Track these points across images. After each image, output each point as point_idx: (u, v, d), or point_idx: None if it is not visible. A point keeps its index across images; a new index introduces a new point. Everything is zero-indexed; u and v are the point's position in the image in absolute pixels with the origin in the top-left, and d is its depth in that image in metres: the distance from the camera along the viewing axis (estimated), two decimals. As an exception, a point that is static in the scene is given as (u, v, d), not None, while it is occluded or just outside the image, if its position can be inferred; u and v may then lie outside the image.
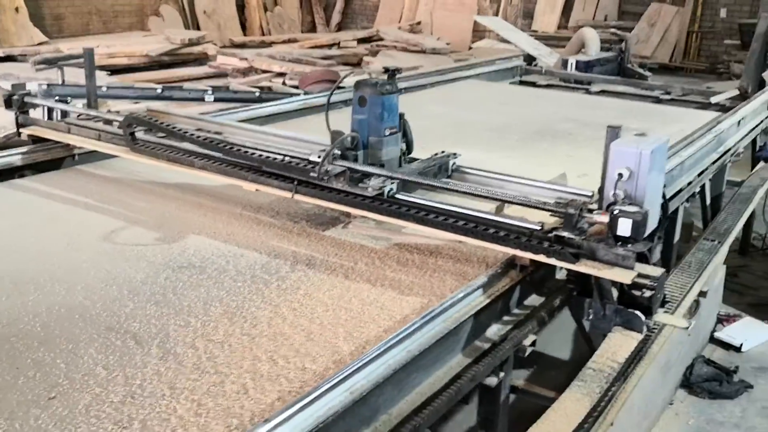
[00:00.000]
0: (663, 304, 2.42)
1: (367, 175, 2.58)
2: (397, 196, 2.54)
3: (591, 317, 2.40)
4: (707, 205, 4.38)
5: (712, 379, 3.94)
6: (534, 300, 2.48)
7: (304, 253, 2.54)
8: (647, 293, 2.25)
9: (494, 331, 2.25)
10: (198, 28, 14.29)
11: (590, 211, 2.25)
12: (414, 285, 2.31)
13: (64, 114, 3.57)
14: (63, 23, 12.97)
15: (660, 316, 2.37)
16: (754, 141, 5.47)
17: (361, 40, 13.88)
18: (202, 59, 11.65)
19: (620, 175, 2.18)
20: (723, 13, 14.15)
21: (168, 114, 3.40)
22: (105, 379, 1.79)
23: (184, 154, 2.96)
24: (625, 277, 2.14)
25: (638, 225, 2.13)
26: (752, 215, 5.63)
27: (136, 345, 1.95)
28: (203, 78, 10.61)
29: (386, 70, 2.79)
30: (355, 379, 1.68)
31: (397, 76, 2.85)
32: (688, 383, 3.89)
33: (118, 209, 2.96)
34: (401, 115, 2.79)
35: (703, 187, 4.14)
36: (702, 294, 2.99)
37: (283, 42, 14.09)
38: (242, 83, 9.48)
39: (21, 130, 3.49)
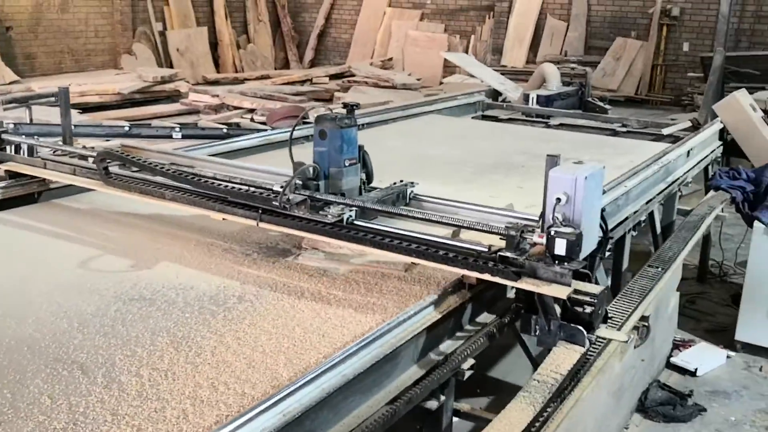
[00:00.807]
0: (605, 320, 2.57)
1: (328, 204, 2.74)
2: (356, 222, 2.69)
3: (537, 333, 2.53)
4: (658, 233, 4.52)
5: (666, 403, 4.03)
6: (485, 318, 2.62)
7: (253, 284, 2.62)
8: (588, 309, 2.39)
9: (437, 352, 2.34)
10: (171, 66, 14.43)
11: (531, 232, 2.41)
12: (357, 313, 2.40)
13: (30, 151, 3.66)
14: (35, 62, 13.05)
15: (602, 331, 2.51)
16: (706, 170, 5.65)
17: (333, 76, 14.10)
18: (174, 96, 11.77)
19: (558, 200, 2.35)
20: (686, 47, 14.53)
21: (141, 149, 3.56)
22: (49, 408, 1.85)
23: (155, 186, 3.12)
24: (562, 292, 2.31)
25: (572, 245, 2.30)
26: (709, 243, 5.79)
27: (82, 375, 2.01)
28: (175, 115, 10.72)
29: (345, 105, 2.95)
30: (288, 402, 1.75)
31: (362, 111, 3.00)
32: (643, 407, 3.97)
33: (81, 242, 3.05)
34: (361, 147, 2.95)
35: (651, 215, 4.28)
36: (644, 318, 3.09)
37: (256, 78, 14.27)
38: (213, 120, 9.59)
39: None
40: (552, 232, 2.32)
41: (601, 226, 2.62)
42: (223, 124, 8.61)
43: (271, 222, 2.79)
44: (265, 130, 6.20)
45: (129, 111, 10.49)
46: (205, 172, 3.10)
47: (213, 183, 2.94)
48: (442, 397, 2.30)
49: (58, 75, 12.72)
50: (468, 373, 2.32)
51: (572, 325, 2.43)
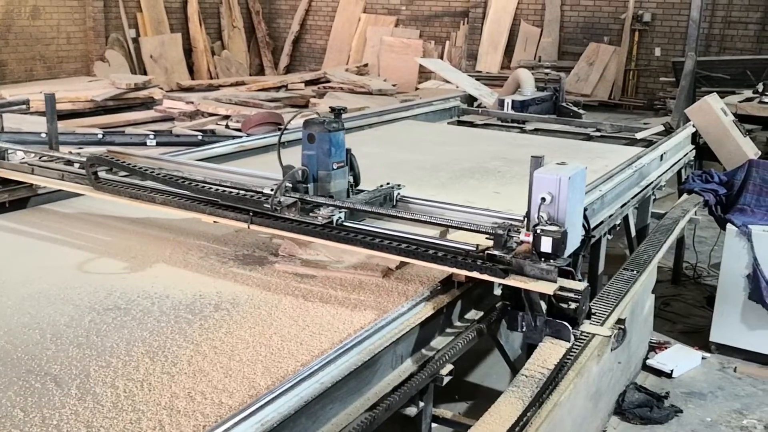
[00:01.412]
0: (589, 316, 2.65)
1: (318, 206, 2.77)
2: (346, 223, 2.74)
3: (524, 329, 2.61)
4: (633, 236, 4.56)
5: (643, 405, 4.06)
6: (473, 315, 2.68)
7: (230, 292, 2.60)
8: (573, 305, 2.48)
9: (413, 360, 2.33)
10: (145, 73, 14.31)
11: (517, 231, 2.47)
12: (335, 320, 2.39)
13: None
14: (6, 70, 12.88)
15: (586, 326, 2.61)
16: (679, 174, 5.72)
17: (309, 82, 14.07)
18: (148, 103, 11.68)
19: (543, 199, 2.44)
20: (657, 51, 14.72)
21: (128, 155, 3.56)
22: (22, 421, 1.82)
23: (145, 190, 3.14)
24: (548, 288, 2.38)
25: (558, 242, 2.38)
26: (683, 246, 5.85)
27: (55, 387, 1.98)
28: (149, 122, 10.63)
29: (332, 109, 3.01)
30: (266, 411, 1.74)
31: (285, 125, 3.14)
32: (620, 410, 4.00)
33: (56, 249, 3.04)
34: (348, 150, 3.00)
35: (626, 219, 4.32)
36: (620, 321, 3.11)
37: (231, 85, 14.21)
38: (188, 127, 9.52)
39: None
40: (538, 231, 2.40)
41: (583, 225, 2.71)
42: (198, 131, 8.56)
43: (262, 224, 2.83)
44: (241, 136, 6.17)
45: (102, 118, 10.38)
46: (194, 176, 3.12)
47: (204, 187, 2.96)
48: (421, 404, 2.30)
49: (30, 82, 12.56)
50: (447, 379, 2.31)
51: (557, 320, 2.51)
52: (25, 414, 1.84)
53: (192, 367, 2.08)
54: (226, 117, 10.30)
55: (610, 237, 4.03)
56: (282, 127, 3.32)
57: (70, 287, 2.61)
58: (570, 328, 2.50)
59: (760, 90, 8.65)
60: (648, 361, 4.51)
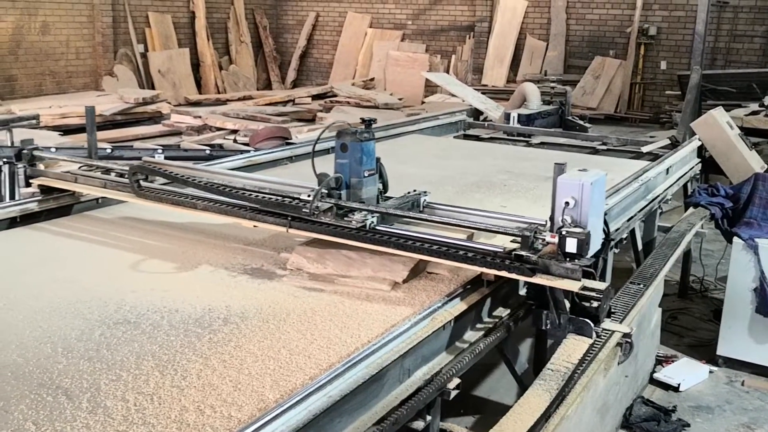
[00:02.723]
0: (609, 314, 2.83)
1: (351, 210, 2.95)
2: (378, 227, 2.90)
3: (548, 327, 2.78)
4: (639, 250, 4.56)
5: (650, 419, 4.06)
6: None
7: (239, 306, 2.62)
8: (594, 304, 2.66)
9: (423, 372, 2.35)
10: (153, 87, 14.42)
11: (543, 233, 2.64)
12: (343, 334, 2.40)
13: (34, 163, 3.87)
14: (15, 84, 13.00)
15: (607, 323, 2.79)
16: (685, 187, 5.73)
17: (316, 97, 14.15)
18: (156, 118, 11.76)
19: (567, 204, 2.60)
20: (663, 65, 14.76)
21: (163, 164, 3.72)
22: (34, 434, 1.84)
23: (186, 197, 3.32)
24: (573, 286, 2.53)
25: (582, 243, 2.53)
26: (690, 259, 5.85)
27: (67, 400, 2.00)
28: (157, 136, 10.71)
29: (363, 120, 3.18)
30: (274, 425, 1.75)
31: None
32: (627, 424, 3.99)
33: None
34: (378, 159, 3.16)
35: (632, 232, 4.32)
36: (627, 335, 3.12)
37: (239, 99, 14.29)
38: (195, 141, 9.58)
39: (31, 181, 3.83)
40: (563, 232, 2.55)
41: (603, 229, 2.86)
42: (205, 145, 8.60)
43: (300, 228, 3.01)
44: (248, 151, 6.21)
45: (111, 133, 10.45)
46: (234, 183, 3.28)
47: (244, 193, 3.13)
48: (429, 417, 2.31)
49: (39, 97, 12.67)
50: (454, 393, 2.33)
51: (580, 318, 2.68)
52: (37, 427, 1.86)
53: (201, 380, 2.10)
54: (234, 131, 10.36)
55: (617, 251, 4.04)
56: (316, 139, 3.51)
57: (80, 301, 2.64)
58: (592, 325, 2.67)
59: (766, 103, 8.66)
60: (655, 375, 4.51)
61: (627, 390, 4.06)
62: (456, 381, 2.35)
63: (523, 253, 2.60)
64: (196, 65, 15.91)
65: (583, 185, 2.58)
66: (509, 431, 2.18)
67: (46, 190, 3.76)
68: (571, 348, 2.61)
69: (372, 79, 16.26)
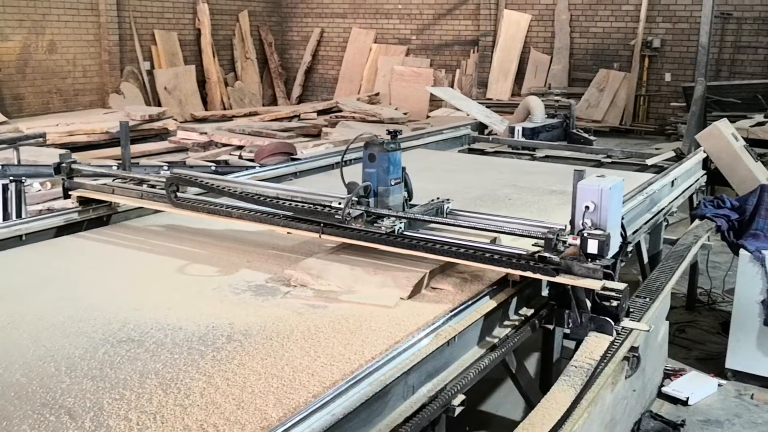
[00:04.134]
0: (627, 314, 2.96)
1: (380, 217, 3.10)
2: (405, 233, 3.05)
3: (570, 326, 2.93)
4: (645, 263, 4.54)
5: (659, 434, 4.03)
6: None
7: (242, 323, 2.61)
8: (614, 303, 2.78)
9: (427, 388, 2.34)
10: (159, 104, 14.51)
11: (565, 236, 2.77)
12: (346, 351, 2.39)
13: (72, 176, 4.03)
14: (23, 103, 13.10)
15: (626, 322, 2.91)
16: (691, 199, 5.71)
17: (321, 112, 14.21)
18: (162, 134, 11.82)
19: (587, 208, 2.74)
20: (668, 77, 14.76)
21: (193, 175, 3.85)
22: (36, 455, 1.83)
23: (221, 206, 3.48)
24: (595, 285, 2.66)
25: (603, 244, 2.67)
26: (696, 271, 5.82)
27: (69, 419, 1.99)
28: (164, 153, 10.76)
29: (389, 132, 3.32)
30: (278, 443, 1.74)
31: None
32: (636, 438, 3.96)
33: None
34: (403, 168, 3.31)
35: (638, 245, 4.31)
36: (634, 349, 3.10)
37: (244, 115, 14.37)
38: (201, 157, 9.62)
39: (70, 192, 3.99)
40: (585, 234, 2.69)
41: (621, 233, 2.96)
42: (211, 161, 8.64)
43: (333, 234, 3.16)
44: (254, 167, 6.23)
45: (117, 150, 10.42)
46: (267, 192, 3.42)
47: (278, 202, 3.28)
48: (433, 434, 2.29)
49: (46, 115, 12.76)
50: (459, 410, 2.31)
51: (601, 317, 2.81)
52: (40, 447, 1.86)
53: (204, 399, 2.09)
54: (240, 147, 10.40)
55: (622, 263, 4.02)
56: (344, 150, 3.66)
57: (84, 319, 2.64)
58: (612, 323, 2.80)
59: (772, 114, 8.64)
60: (663, 389, 4.48)
61: (635, 404, 4.03)
62: (461, 397, 2.33)
63: (546, 254, 2.73)
64: (202, 82, 16.01)
65: (602, 190, 2.72)
66: (538, 425, 2.28)
67: (84, 201, 3.94)
68: (593, 345, 2.74)
69: (377, 94, 16.32)
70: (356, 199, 3.11)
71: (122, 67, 14.54)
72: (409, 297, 2.82)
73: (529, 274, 2.76)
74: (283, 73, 18.18)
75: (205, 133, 11.11)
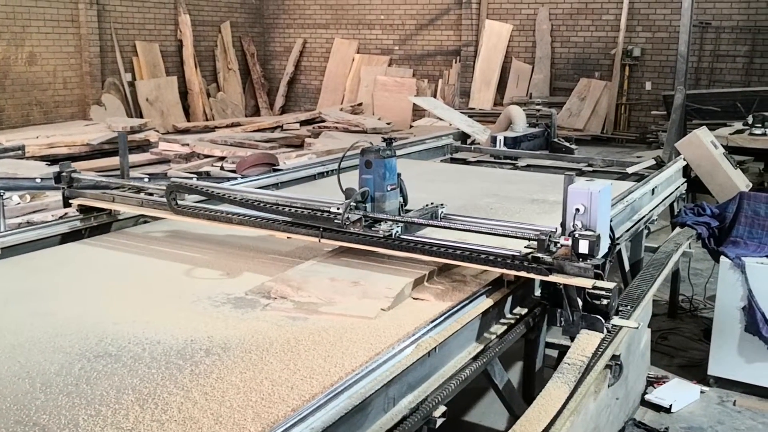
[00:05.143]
0: (617, 312, 3.04)
1: (378, 221, 3.21)
2: (402, 236, 3.14)
3: (563, 324, 3.02)
4: (627, 271, 4.56)
5: (642, 442, 4.03)
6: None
7: (221, 336, 2.59)
8: (604, 301, 2.88)
9: (408, 400, 2.32)
10: (141, 116, 14.44)
11: (556, 237, 2.87)
12: (326, 363, 2.37)
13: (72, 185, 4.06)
14: (2, 115, 12.99)
15: (616, 320, 3.00)
16: (672, 207, 5.74)
17: (304, 122, 14.19)
18: (144, 146, 11.75)
19: (577, 210, 2.83)
20: (648, 85, 14.89)
21: (195, 183, 3.94)
22: (9, 474, 1.79)
23: (220, 213, 3.55)
24: (587, 283, 2.76)
25: (593, 244, 2.77)
26: (678, 279, 5.85)
27: (44, 437, 1.96)
28: (146, 164, 10.68)
29: (384, 139, 3.44)
30: (255, 458, 1.72)
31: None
32: (619, 447, 3.96)
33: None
34: (398, 175, 3.42)
35: (619, 253, 4.32)
36: (615, 357, 3.11)
37: (227, 126, 14.31)
38: (183, 169, 9.57)
39: (71, 201, 4.02)
40: (576, 235, 2.78)
41: (609, 235, 3.05)
42: (193, 173, 8.59)
43: (332, 238, 3.24)
44: (235, 178, 6.19)
45: (98, 162, 10.43)
46: (266, 199, 3.50)
47: (278, 207, 3.35)
48: (415, 446, 2.27)
49: (26, 127, 12.65)
50: (440, 421, 2.29)
51: (592, 315, 2.91)
52: (13, 466, 1.82)
53: (182, 414, 2.06)
54: (222, 158, 10.36)
55: (611, 263, 4.04)
56: (341, 157, 3.75)
57: (60, 334, 2.60)
58: (603, 321, 2.90)
59: (750, 122, 8.73)
60: (646, 396, 4.49)
61: (618, 412, 4.03)
62: (442, 408, 2.32)
63: (539, 255, 2.83)
64: (184, 93, 15.95)
65: (592, 193, 2.83)
66: (535, 421, 2.34)
67: (84, 209, 3.99)
68: (585, 342, 2.83)
69: (360, 104, 16.34)
70: (354, 204, 3.20)
71: (103, 78, 14.46)
72: (390, 308, 2.81)
73: (523, 273, 2.87)
74: (265, 84, 18.16)
75: (187, 145, 11.05)
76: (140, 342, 2.54)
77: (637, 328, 3.14)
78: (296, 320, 2.74)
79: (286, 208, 3.34)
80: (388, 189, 3.32)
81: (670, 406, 4.40)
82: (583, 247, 2.76)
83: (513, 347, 3.00)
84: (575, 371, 2.62)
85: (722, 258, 4.60)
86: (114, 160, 10.63)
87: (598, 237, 2.78)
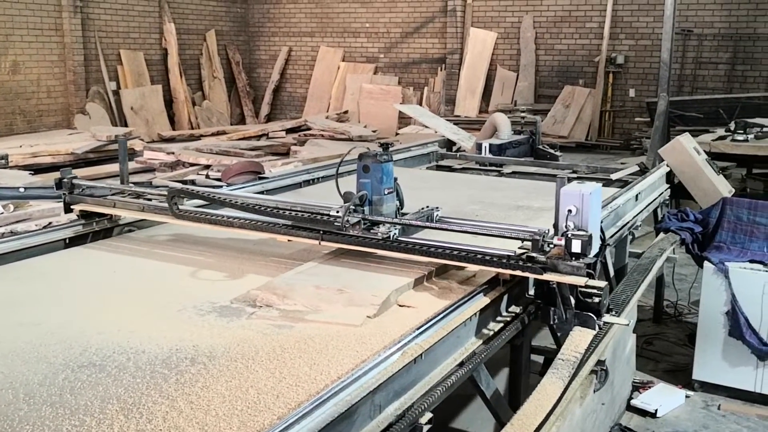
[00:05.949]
0: (608, 309, 3.15)
1: (376, 223, 3.30)
2: (400, 238, 3.22)
3: (556, 321, 3.12)
4: (611, 277, 4.58)
5: (628, 447, 4.05)
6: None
7: (207, 345, 2.58)
8: (596, 300, 3.00)
9: (394, 407, 2.32)
10: (126, 125, 14.38)
11: (550, 237, 2.97)
12: (312, 371, 2.37)
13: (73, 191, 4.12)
14: (-15, 125, 12.89)
15: (607, 317, 3.11)
16: (656, 213, 5.78)
17: (290, 130, 14.17)
18: (129, 155, 11.66)
19: (569, 211, 2.92)
20: (632, 92, 15.01)
21: (195, 188, 4.04)
22: (-8, 486, 1.78)
23: (221, 217, 3.61)
24: (580, 281, 2.86)
25: (586, 243, 2.86)
26: (663, 284, 5.89)
27: (27, 448, 1.94)
28: (131, 173, 10.58)
29: (381, 144, 3.56)
30: (241, 467, 1.71)
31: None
32: (605, 452, 3.98)
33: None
34: (395, 179, 3.49)
35: (603, 259, 4.34)
36: (600, 362, 3.13)
37: (212, 135, 14.28)
38: (168, 177, 9.53)
39: (72, 207, 4.08)
40: (569, 235, 2.86)
41: (600, 236, 3.12)
42: (178, 181, 8.56)
43: (332, 240, 3.33)
44: (221, 186, 6.18)
45: (83, 171, 10.35)
46: (267, 203, 3.57)
47: (278, 211, 3.43)
48: (401, 454, 2.27)
49: (10, 137, 12.56)
50: (426, 428, 2.30)
51: (584, 312, 3.01)
52: (-4, 477, 1.81)
53: (167, 423, 2.05)
54: (207, 167, 10.33)
55: (602, 261, 4.06)
56: (339, 162, 3.82)
57: (44, 344, 2.58)
58: (595, 318, 3.00)
59: (732, 128, 8.82)
60: (632, 402, 4.51)
61: (604, 417, 4.05)
62: (428, 415, 2.32)
63: (533, 254, 2.93)
64: (169, 102, 15.91)
65: (584, 195, 2.92)
66: (531, 415, 2.41)
67: (86, 215, 4.05)
68: (578, 339, 2.92)
69: (346, 112, 16.36)
70: (353, 207, 3.28)
71: (88, 87, 14.39)
72: (376, 315, 2.81)
73: (518, 272, 2.97)
74: (251, 92, 18.14)
75: (173, 153, 11.01)
76: (125, 351, 2.52)
77: (627, 325, 3.26)
78: (282, 328, 2.74)
79: (287, 212, 3.42)
80: (386, 192, 3.40)
81: (656, 410, 4.43)
82: (576, 246, 2.84)
83: (498, 354, 3.01)
84: (569, 367, 2.72)
85: (706, 263, 4.64)
86: (100, 169, 10.60)
87: (590, 236, 2.86)
